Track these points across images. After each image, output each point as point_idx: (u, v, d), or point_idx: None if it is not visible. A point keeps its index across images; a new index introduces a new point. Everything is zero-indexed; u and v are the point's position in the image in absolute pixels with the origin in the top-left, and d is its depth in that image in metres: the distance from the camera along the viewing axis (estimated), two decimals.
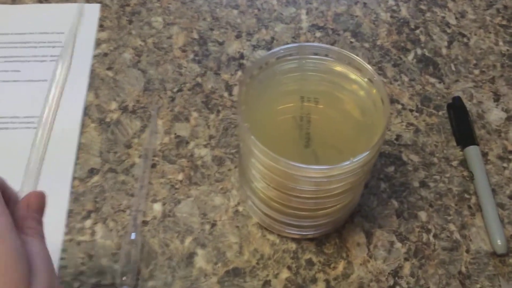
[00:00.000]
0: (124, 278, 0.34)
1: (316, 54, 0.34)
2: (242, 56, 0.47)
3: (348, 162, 0.28)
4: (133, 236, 0.36)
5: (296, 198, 0.32)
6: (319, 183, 0.30)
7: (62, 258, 0.36)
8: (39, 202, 0.28)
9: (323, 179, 0.30)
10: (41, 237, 0.26)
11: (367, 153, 0.29)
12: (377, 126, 0.32)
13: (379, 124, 0.31)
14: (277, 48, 0.34)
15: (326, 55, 0.34)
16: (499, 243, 0.36)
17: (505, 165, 0.41)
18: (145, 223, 0.38)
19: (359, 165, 0.29)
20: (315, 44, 0.37)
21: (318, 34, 0.49)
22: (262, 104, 0.33)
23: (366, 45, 0.48)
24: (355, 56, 0.33)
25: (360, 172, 0.30)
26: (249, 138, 0.30)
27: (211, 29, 0.49)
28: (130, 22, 0.50)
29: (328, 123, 0.34)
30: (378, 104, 0.32)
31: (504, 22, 0.49)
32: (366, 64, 0.33)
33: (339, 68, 0.34)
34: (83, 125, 0.43)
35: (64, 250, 0.37)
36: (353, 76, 0.34)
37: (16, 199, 0.27)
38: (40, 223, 0.27)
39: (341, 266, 0.36)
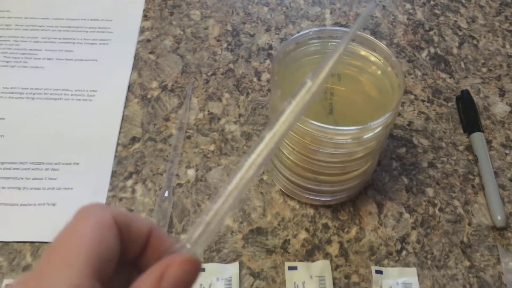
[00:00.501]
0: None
1: (338, 37, 0.39)
2: (270, 47, 0.53)
3: (367, 125, 0.33)
4: (166, 193, 0.41)
5: (319, 162, 0.36)
6: (341, 145, 0.35)
7: None
8: (183, 275, 0.18)
9: (346, 140, 0.34)
10: None
11: (383, 118, 0.33)
12: (391, 105, 0.36)
13: (394, 103, 0.36)
14: (307, 31, 0.39)
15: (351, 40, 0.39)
16: (499, 218, 0.40)
17: (507, 151, 0.45)
18: (179, 185, 0.42)
19: (376, 129, 0.33)
20: (336, 28, 0.42)
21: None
22: (292, 76, 0.38)
23: (384, 42, 0.53)
24: (373, 38, 0.38)
25: (375, 138, 0.35)
26: (280, 103, 0.34)
27: (243, 23, 0.55)
28: (171, 14, 0.55)
29: (348, 97, 0.39)
30: (393, 83, 0.37)
31: None
32: (382, 44, 0.38)
33: (359, 50, 0.39)
34: (127, 100, 0.48)
35: (107, 205, 0.41)
36: (372, 58, 0.38)
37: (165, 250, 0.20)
38: None
39: (354, 231, 0.40)
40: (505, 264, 0.38)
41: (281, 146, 0.38)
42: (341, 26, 0.54)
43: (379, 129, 0.34)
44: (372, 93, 0.39)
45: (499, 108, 0.48)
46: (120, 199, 0.42)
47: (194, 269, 0.18)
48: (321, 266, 0.38)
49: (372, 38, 0.38)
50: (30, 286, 0.17)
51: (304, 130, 0.34)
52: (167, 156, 0.44)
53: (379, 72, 0.39)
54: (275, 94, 0.35)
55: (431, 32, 0.53)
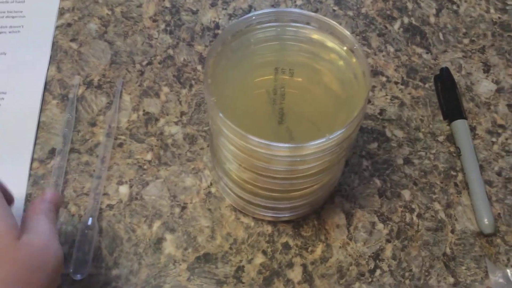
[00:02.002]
0: (71, 270, 0.31)
1: (293, 21, 0.31)
2: (217, 26, 0.44)
3: (323, 140, 0.26)
4: (89, 221, 0.33)
5: (270, 179, 0.30)
6: (293, 163, 0.28)
7: None
8: (53, 196, 0.30)
9: (296, 158, 0.27)
10: (47, 217, 0.29)
11: (344, 129, 0.26)
12: (357, 100, 0.29)
13: (360, 97, 0.29)
14: (250, 14, 0.31)
15: (304, 22, 0.31)
16: (486, 222, 0.34)
17: (494, 139, 0.39)
18: (109, 207, 0.35)
19: (336, 142, 0.27)
20: (291, 9, 0.34)
21: (299, 1, 0.46)
22: (232, 76, 0.31)
23: (350, 13, 0.45)
24: (333, 21, 0.30)
25: (338, 150, 0.28)
26: (217, 115, 0.27)
27: None
28: None
29: (305, 97, 0.31)
30: (358, 76, 0.30)
31: None
32: (345, 30, 0.30)
33: (316, 36, 0.31)
34: (44, 102, 0.40)
35: None
36: (330, 44, 0.31)
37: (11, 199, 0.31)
38: (51, 210, 0.30)
39: (319, 249, 0.34)
40: (494, 279, 0.33)
41: (226, 160, 0.31)
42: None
43: (338, 139, 0.27)
44: (334, 87, 0.32)
45: (484, 87, 0.41)
46: None
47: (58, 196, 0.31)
48: None
49: (331, 21, 0.30)
50: None
51: (247, 147, 0.27)
52: (94, 170, 0.37)
53: (341, 63, 0.31)
54: (209, 101, 0.28)
55: None
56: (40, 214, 0.29)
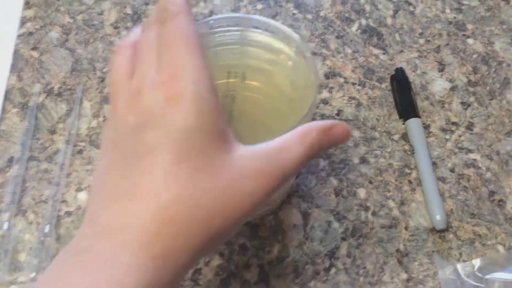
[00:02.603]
0: (32, 275, 0.32)
1: (244, 25, 0.32)
2: None
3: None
4: (47, 228, 0.34)
5: None
6: None
7: None
8: (340, 136, 0.25)
9: None
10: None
11: (291, 130, 0.27)
12: (307, 101, 0.30)
13: (310, 98, 0.29)
14: (208, 19, 0.31)
15: (253, 26, 0.32)
16: (438, 218, 0.35)
17: (447, 137, 0.40)
18: (68, 214, 0.36)
19: None
20: (234, 15, 0.35)
21: (259, 6, 0.47)
22: None
23: (309, 16, 0.46)
24: (279, 23, 0.31)
25: None
26: None
27: (146, 3, 0.46)
28: None
29: (255, 100, 0.32)
30: (308, 76, 0.30)
31: None
32: (293, 33, 0.31)
33: (266, 38, 0.32)
34: (4, 111, 0.40)
35: None
36: (279, 46, 0.32)
37: None
38: None
39: (275, 249, 0.35)
40: (443, 274, 0.33)
41: None
42: (260, 0, 0.47)
43: None
44: (285, 89, 0.32)
45: (439, 86, 0.42)
46: None
47: (346, 137, 0.25)
48: None
49: (278, 24, 0.31)
50: None
51: None
52: (53, 178, 0.37)
53: (290, 63, 0.32)
54: None
55: (362, 1, 0.47)
56: None
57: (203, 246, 0.20)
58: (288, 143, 0.23)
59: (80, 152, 0.38)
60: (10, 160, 0.38)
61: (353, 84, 0.42)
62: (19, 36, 0.44)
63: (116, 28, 0.45)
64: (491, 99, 0.41)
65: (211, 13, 0.46)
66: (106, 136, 0.23)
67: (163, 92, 0.21)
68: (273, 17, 0.46)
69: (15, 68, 0.42)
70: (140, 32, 0.25)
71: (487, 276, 0.33)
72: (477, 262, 0.34)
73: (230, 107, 0.31)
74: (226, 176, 0.20)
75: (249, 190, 0.21)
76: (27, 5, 0.46)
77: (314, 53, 0.43)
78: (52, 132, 0.39)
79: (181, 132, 0.20)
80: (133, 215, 0.20)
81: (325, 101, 0.41)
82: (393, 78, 0.42)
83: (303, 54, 0.31)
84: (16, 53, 0.43)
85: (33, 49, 0.43)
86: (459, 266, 0.33)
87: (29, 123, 0.39)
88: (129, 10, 0.46)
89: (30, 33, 0.44)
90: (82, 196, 0.36)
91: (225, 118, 0.23)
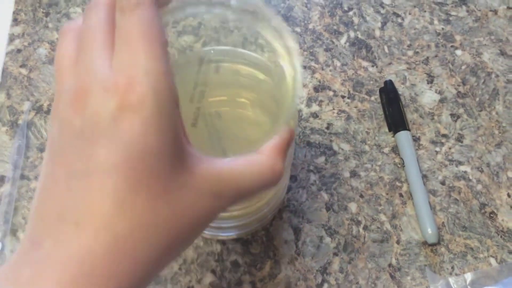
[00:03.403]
0: None
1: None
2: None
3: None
4: None
5: None
6: None
7: None
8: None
9: None
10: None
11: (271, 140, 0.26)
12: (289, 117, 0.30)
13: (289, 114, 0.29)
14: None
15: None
16: (430, 232, 0.35)
17: (437, 149, 0.40)
18: None
19: None
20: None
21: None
22: None
23: (298, 29, 0.46)
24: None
25: None
26: None
27: None
28: (47, 14, 0.46)
29: (239, 117, 0.32)
30: (289, 91, 0.30)
31: (439, 0, 0.48)
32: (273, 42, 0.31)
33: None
34: None
35: None
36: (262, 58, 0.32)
37: None
38: None
39: (267, 266, 0.35)
40: None
41: None
42: None
43: None
44: (272, 107, 0.32)
45: (428, 98, 0.42)
46: None
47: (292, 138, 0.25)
48: None
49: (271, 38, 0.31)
50: None
51: None
52: None
53: (276, 78, 0.32)
54: None
55: (351, 13, 0.47)
56: None
57: (161, 268, 0.20)
58: (246, 162, 0.22)
59: None
60: (1, 179, 0.37)
61: (343, 97, 0.42)
62: (7, 53, 0.44)
63: None
64: (481, 111, 0.42)
65: (200, 24, 0.46)
66: (50, 131, 0.21)
67: (117, 99, 0.18)
68: None
69: (4, 86, 0.42)
70: (88, 11, 0.21)
71: None
72: (469, 276, 0.34)
73: (198, 104, 0.30)
74: (184, 201, 0.19)
75: (206, 211, 0.20)
76: (15, 22, 0.46)
77: (304, 67, 0.43)
78: (42, 150, 0.39)
79: (138, 153, 0.18)
80: (81, 244, 0.18)
81: (314, 115, 0.41)
82: (382, 90, 0.42)
83: (284, 66, 0.31)
84: (5, 71, 0.43)
85: (21, 66, 0.43)
86: (451, 280, 0.33)
87: (21, 141, 0.39)
88: None
89: (19, 50, 0.44)
90: None
91: (183, 131, 0.21)
